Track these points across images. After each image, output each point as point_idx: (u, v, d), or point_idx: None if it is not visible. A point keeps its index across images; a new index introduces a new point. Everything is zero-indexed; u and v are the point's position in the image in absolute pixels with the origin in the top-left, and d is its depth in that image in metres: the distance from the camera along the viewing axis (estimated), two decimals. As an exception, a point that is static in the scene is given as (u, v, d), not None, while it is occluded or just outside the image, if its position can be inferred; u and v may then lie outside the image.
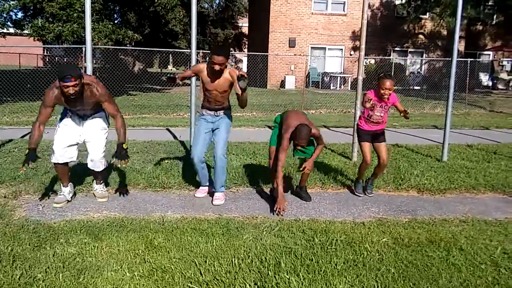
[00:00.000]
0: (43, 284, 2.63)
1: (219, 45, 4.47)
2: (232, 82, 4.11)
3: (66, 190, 4.21)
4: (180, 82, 4.33)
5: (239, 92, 3.92)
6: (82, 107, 3.95)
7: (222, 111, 4.34)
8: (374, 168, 4.68)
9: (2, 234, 3.33)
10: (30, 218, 3.72)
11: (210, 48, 4.23)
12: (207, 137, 4.34)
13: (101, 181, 4.38)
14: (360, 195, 4.66)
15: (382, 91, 4.27)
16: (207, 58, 4.09)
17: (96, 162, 4.14)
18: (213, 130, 4.36)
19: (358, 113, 6.15)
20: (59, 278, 2.70)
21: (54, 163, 4.07)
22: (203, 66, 4.20)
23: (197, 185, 4.65)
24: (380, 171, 4.65)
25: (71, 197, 4.26)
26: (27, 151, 3.80)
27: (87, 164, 4.20)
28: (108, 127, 4.23)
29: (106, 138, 4.21)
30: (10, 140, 6.95)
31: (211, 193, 4.50)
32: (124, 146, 3.91)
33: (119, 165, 4.00)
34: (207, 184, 4.55)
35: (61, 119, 4.13)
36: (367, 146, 4.50)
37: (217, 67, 3.99)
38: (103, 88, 3.91)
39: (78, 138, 4.09)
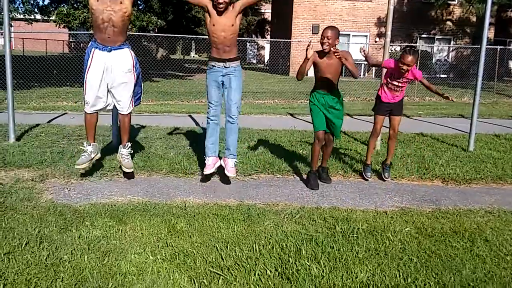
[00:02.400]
0: (69, 265, 2.70)
1: None
2: (238, 14, 4.09)
3: (89, 149, 4.23)
4: None
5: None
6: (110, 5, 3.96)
7: (232, 62, 4.23)
8: (387, 141, 4.74)
9: (30, 216, 3.43)
10: (56, 201, 3.81)
11: None
12: (219, 90, 4.29)
13: (128, 143, 4.38)
14: (369, 178, 4.66)
15: (400, 65, 4.27)
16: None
17: (125, 104, 4.23)
18: (223, 85, 4.28)
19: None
20: (84, 260, 2.77)
21: (85, 113, 4.18)
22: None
23: (217, 170, 4.65)
24: (391, 144, 4.70)
25: (93, 160, 4.28)
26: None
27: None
28: (133, 65, 4.25)
29: (134, 78, 4.27)
30: (37, 125, 7.11)
31: (219, 168, 4.46)
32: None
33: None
34: (216, 155, 4.45)
35: (86, 62, 4.13)
36: (380, 119, 4.64)
37: (221, 6, 3.99)
38: None
39: (107, 84, 4.15)
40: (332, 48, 4.13)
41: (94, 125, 4.28)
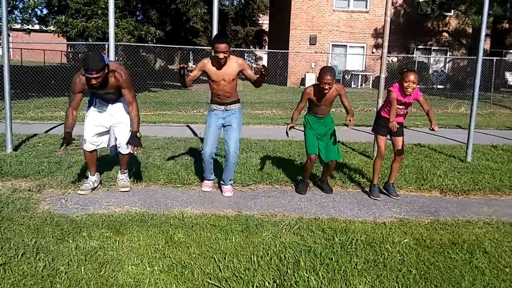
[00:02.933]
0: (65, 276, 2.68)
1: (219, 33, 4.55)
2: (240, 70, 4.21)
3: (92, 179, 4.41)
4: (192, 84, 4.36)
5: (254, 77, 4.14)
6: (106, 91, 4.10)
7: (233, 105, 4.36)
8: (391, 164, 4.61)
9: (27, 226, 3.41)
10: (53, 212, 3.79)
11: (211, 39, 4.28)
12: (217, 132, 4.41)
13: (126, 170, 4.53)
14: (378, 198, 4.50)
15: (405, 84, 4.22)
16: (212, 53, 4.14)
17: (123, 145, 4.31)
18: (223, 126, 4.39)
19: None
20: (81, 271, 2.74)
21: (85, 150, 4.30)
22: (207, 60, 4.24)
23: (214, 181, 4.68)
24: (397, 165, 4.58)
25: (95, 188, 4.41)
26: (63, 134, 4.00)
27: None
28: None
29: None
30: (35, 135, 7.10)
31: (215, 187, 4.66)
32: (138, 134, 4.09)
33: (133, 152, 4.13)
34: (213, 178, 4.64)
35: (88, 107, 4.32)
36: (383, 139, 4.51)
37: (221, 56, 4.04)
38: (126, 75, 4.06)
39: (106, 124, 4.31)
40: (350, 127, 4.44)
41: (94, 159, 4.41)
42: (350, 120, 4.35)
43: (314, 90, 4.38)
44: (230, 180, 4.52)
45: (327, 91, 4.24)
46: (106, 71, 3.85)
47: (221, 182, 4.57)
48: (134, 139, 4.07)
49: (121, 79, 4.02)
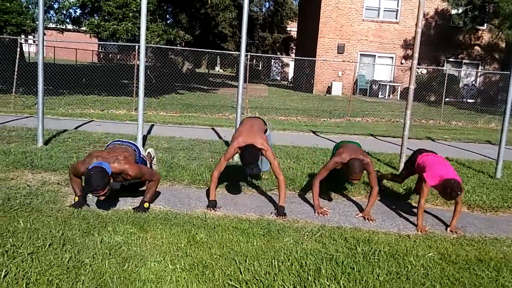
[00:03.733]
0: (90, 268, 2.73)
1: None
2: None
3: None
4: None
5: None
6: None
7: None
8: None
9: (54, 218, 3.49)
10: (89, 205, 3.87)
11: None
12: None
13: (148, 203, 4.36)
14: None
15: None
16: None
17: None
18: None
19: (408, 123, 6.00)
20: (105, 264, 2.79)
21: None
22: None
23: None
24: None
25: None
26: (76, 198, 3.86)
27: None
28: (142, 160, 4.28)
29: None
30: (65, 131, 7.28)
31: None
32: (146, 205, 3.90)
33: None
34: None
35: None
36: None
37: None
38: (134, 171, 3.81)
39: None
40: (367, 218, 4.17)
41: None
42: (364, 217, 4.17)
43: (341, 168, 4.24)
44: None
45: (354, 183, 4.14)
46: (112, 180, 3.69)
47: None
48: (141, 208, 3.86)
49: (130, 177, 3.84)
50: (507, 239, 3.81)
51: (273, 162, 4.08)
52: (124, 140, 4.40)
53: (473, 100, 20.71)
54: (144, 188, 4.20)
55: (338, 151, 4.32)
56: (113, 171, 3.69)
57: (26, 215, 3.51)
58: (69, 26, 21.34)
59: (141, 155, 4.26)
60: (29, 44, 26.42)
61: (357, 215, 4.24)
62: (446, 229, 3.99)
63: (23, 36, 19.49)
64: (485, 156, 7.73)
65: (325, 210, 4.20)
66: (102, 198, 3.61)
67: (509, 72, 6.07)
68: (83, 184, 3.74)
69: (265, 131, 4.43)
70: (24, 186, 4.27)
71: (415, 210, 4.45)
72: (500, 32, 20.51)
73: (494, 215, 4.53)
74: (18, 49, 11.34)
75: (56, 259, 2.81)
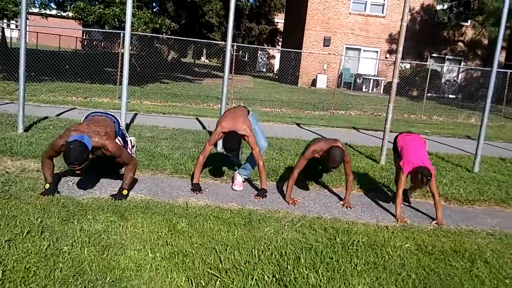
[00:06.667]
0: (69, 256, 2.72)
1: None
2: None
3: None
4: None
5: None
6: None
7: None
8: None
9: (33, 206, 3.46)
10: (60, 193, 3.84)
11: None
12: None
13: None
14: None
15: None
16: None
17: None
18: None
19: (390, 117, 6.07)
20: (84, 252, 2.78)
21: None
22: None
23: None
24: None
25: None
26: (47, 185, 3.79)
27: None
28: (125, 141, 4.32)
29: (127, 145, 4.37)
30: (46, 118, 7.17)
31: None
32: (124, 192, 3.88)
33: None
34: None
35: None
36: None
37: None
38: (113, 148, 3.80)
39: None
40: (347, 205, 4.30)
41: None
42: (343, 205, 4.31)
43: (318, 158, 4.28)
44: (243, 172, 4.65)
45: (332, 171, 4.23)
46: (91, 155, 3.63)
47: (237, 172, 4.66)
48: (119, 196, 3.84)
49: (109, 154, 3.81)
50: (482, 231, 3.91)
51: (254, 148, 4.24)
52: (103, 111, 4.35)
53: (454, 96, 21.00)
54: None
55: (315, 141, 4.38)
56: (93, 145, 3.67)
57: (4, 202, 3.46)
58: (53, 12, 20.87)
59: (120, 128, 4.29)
60: (11, 29, 25.79)
61: (338, 203, 4.33)
62: (430, 223, 4.04)
63: (5, 21, 19.04)
64: (464, 150, 7.88)
65: (295, 201, 4.26)
66: (78, 172, 3.58)
67: (490, 69, 6.18)
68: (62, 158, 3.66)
69: (248, 113, 4.51)
70: (2, 173, 4.21)
71: (392, 203, 4.53)
72: (483, 29, 20.80)
73: (470, 208, 4.64)
74: (0, 34, 11.08)
75: (34, 246, 2.79)
